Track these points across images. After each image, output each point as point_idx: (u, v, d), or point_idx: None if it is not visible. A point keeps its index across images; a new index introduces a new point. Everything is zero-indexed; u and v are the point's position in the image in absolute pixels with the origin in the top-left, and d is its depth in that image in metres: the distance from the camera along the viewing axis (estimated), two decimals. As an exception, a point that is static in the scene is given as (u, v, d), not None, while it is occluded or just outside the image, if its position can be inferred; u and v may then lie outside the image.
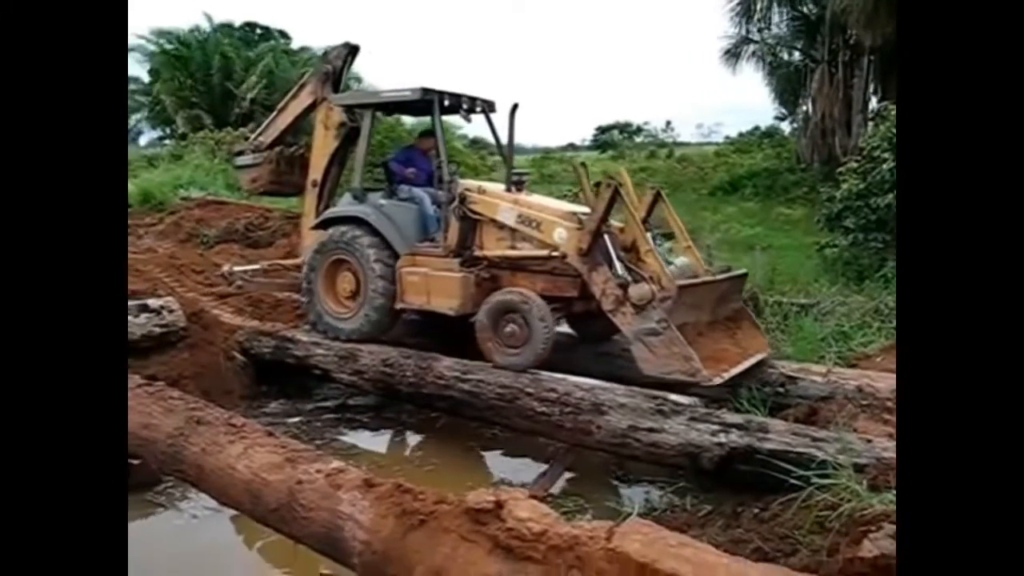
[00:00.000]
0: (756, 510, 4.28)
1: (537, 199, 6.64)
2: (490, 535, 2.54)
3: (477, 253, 6.44)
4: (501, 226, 6.32)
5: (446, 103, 6.76)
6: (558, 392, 5.51)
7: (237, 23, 32.40)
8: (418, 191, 7.03)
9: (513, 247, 6.33)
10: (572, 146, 60.71)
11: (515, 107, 6.33)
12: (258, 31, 33.65)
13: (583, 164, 6.84)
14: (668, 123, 60.25)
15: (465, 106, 6.92)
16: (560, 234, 5.87)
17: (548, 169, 30.36)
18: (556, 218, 6.00)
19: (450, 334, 6.91)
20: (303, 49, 30.68)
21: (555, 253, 5.95)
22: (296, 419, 6.77)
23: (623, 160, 36.57)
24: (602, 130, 58.03)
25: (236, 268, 8.47)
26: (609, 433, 5.16)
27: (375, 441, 6.56)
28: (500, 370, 5.92)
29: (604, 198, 5.58)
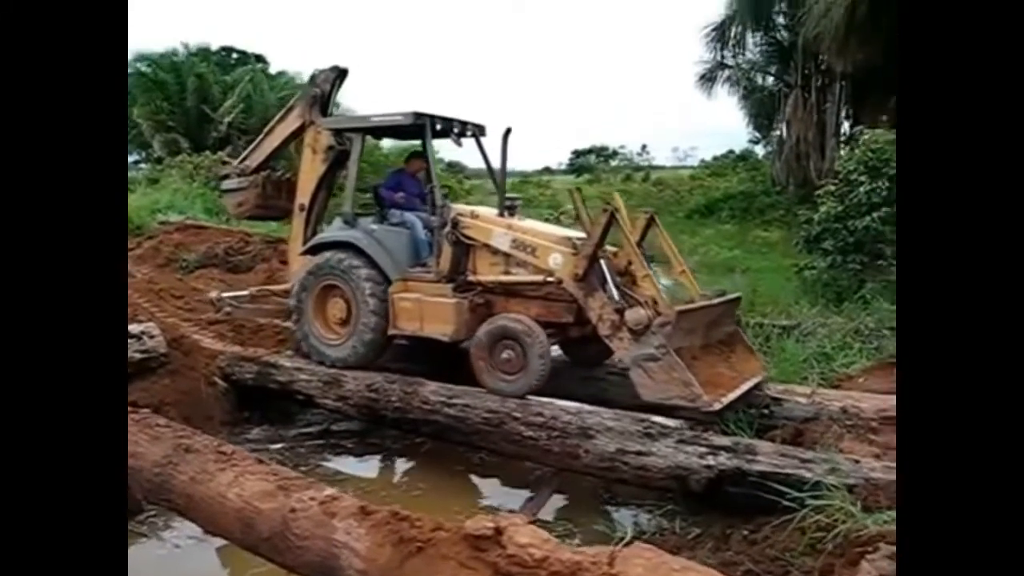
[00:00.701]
0: (746, 532, 4.30)
1: (531, 224, 6.62)
2: (490, 562, 2.52)
3: (471, 278, 6.39)
4: (495, 251, 6.28)
5: (438, 127, 6.73)
6: (545, 416, 5.50)
7: (213, 48, 32.36)
8: (409, 216, 6.98)
9: (507, 272, 6.28)
10: (548, 170, 60.92)
11: (508, 132, 6.34)
12: (235, 55, 33.63)
13: (578, 189, 6.85)
14: (643, 147, 60.74)
15: (456, 130, 6.90)
16: (555, 259, 5.85)
17: (526, 193, 30.48)
18: (551, 243, 5.98)
19: (437, 360, 6.88)
20: (280, 73, 30.69)
21: (550, 278, 5.92)
22: (279, 445, 6.70)
23: (599, 184, 36.85)
24: (578, 154, 58.42)
25: (224, 294, 8.37)
26: (597, 457, 5.15)
27: (360, 467, 6.50)
28: (487, 394, 5.89)
29: (600, 223, 5.57)
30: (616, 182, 38.17)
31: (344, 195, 7.26)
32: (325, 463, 6.43)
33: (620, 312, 5.36)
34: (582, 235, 5.92)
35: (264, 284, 9.61)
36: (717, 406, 5.04)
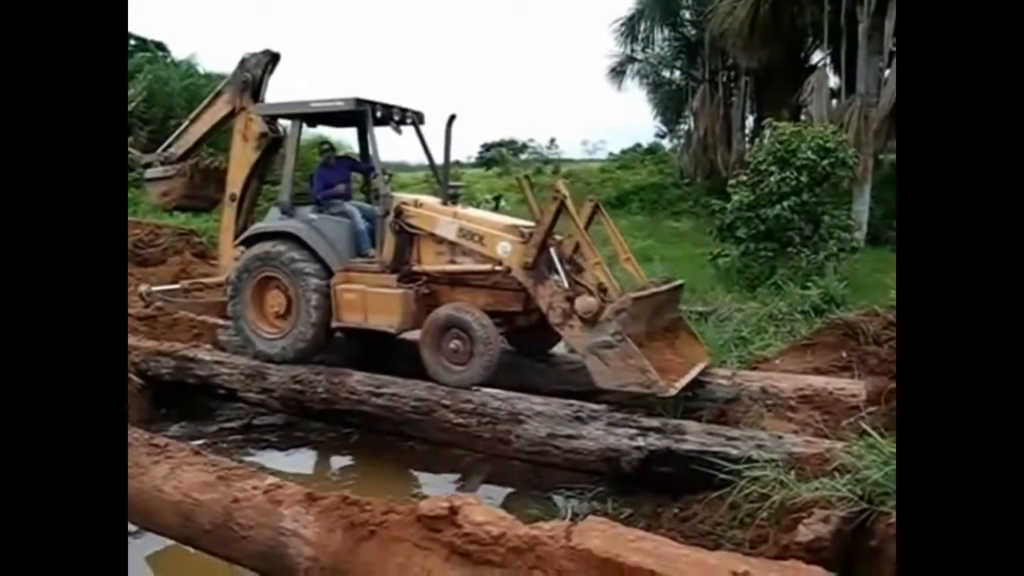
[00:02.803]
0: (676, 510, 4.42)
1: (476, 212, 6.56)
2: (446, 542, 2.53)
3: (415, 268, 6.30)
4: (440, 240, 6.21)
5: (379, 114, 6.57)
6: (474, 403, 5.52)
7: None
8: (349, 205, 6.83)
9: (452, 261, 6.22)
10: (458, 163, 60.54)
11: (452, 119, 6.27)
12: (132, 41, 32.27)
13: (527, 177, 6.82)
14: (552, 140, 61.01)
15: (396, 117, 6.75)
16: (504, 248, 5.82)
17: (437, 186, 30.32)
18: (499, 231, 5.94)
19: (363, 352, 6.80)
20: (183, 61, 29.67)
21: (498, 267, 5.88)
22: (200, 442, 6.45)
23: (509, 177, 36.98)
24: (487, 147, 58.27)
25: (155, 288, 8.01)
26: (528, 442, 5.21)
27: (286, 461, 6.36)
28: (415, 382, 5.86)
29: (550, 211, 5.57)
30: (527, 175, 38.26)
31: (281, 184, 6.95)
32: (248, 458, 6.28)
33: (570, 300, 5.36)
34: (529, 223, 5.91)
35: (177, 277, 9.29)
36: (672, 391, 5.09)
